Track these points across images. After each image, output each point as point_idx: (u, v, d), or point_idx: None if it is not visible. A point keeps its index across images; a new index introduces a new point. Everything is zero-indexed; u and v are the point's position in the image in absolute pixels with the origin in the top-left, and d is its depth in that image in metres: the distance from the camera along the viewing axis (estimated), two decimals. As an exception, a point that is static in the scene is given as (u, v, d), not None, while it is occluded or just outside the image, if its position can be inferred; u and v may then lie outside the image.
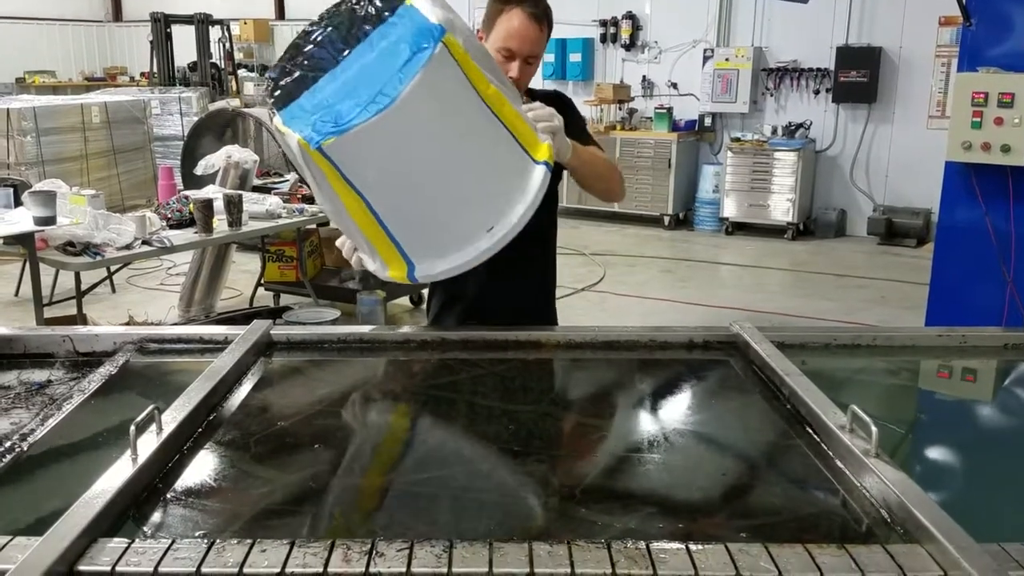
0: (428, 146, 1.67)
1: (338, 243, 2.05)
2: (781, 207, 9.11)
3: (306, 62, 1.75)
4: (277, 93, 1.73)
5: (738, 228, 9.42)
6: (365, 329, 2.04)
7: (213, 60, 12.35)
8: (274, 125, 1.70)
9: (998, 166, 4.14)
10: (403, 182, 1.69)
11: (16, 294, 6.40)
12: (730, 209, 9.34)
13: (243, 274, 6.74)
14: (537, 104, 1.93)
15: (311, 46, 1.77)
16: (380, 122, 1.56)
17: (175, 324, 5.27)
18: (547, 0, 2.10)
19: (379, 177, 1.67)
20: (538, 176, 1.79)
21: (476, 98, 1.69)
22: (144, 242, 4.47)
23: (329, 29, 1.77)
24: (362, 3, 1.77)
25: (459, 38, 1.65)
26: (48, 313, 4.87)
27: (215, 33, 12.48)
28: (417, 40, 1.63)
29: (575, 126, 2.18)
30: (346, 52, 1.73)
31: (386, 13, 1.72)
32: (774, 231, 9.22)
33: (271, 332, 1.98)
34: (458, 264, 1.78)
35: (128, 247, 4.39)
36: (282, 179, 6.30)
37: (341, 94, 1.65)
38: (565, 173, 2.15)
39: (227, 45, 12.75)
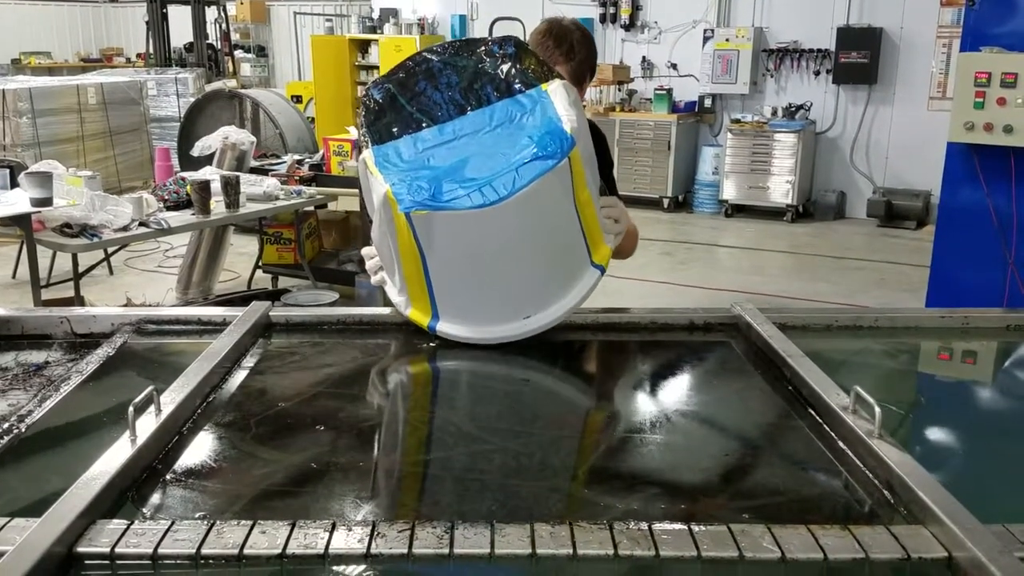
0: (507, 237, 1.62)
1: (364, 252, 1.98)
2: (781, 189, 9.09)
3: (415, 99, 1.66)
4: (376, 123, 1.64)
5: (737, 210, 9.40)
6: (365, 310, 2.03)
7: (209, 41, 12.26)
8: (362, 156, 1.63)
9: (1000, 147, 4.13)
10: (467, 258, 1.65)
11: (13, 276, 6.39)
12: (730, 191, 9.32)
13: (241, 256, 6.72)
14: (613, 200, 1.92)
15: (425, 81, 1.68)
16: (477, 213, 1.52)
17: (173, 306, 5.26)
18: (592, 52, 2.17)
19: (446, 248, 1.62)
20: (590, 279, 1.78)
21: (571, 201, 1.65)
22: (141, 224, 4.46)
23: (451, 70, 1.67)
24: (495, 62, 1.67)
25: (580, 143, 1.59)
26: (45, 295, 4.87)
27: (211, 14, 12.38)
28: (544, 143, 1.56)
29: (603, 168, 2.18)
30: (464, 108, 1.65)
31: (518, 86, 1.65)
32: (773, 213, 9.20)
33: (270, 313, 1.97)
34: (479, 338, 1.75)
35: (125, 229, 4.38)
36: (280, 160, 6.27)
37: (445, 158, 1.59)
38: None
39: (223, 26, 12.66)
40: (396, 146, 1.62)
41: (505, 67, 1.67)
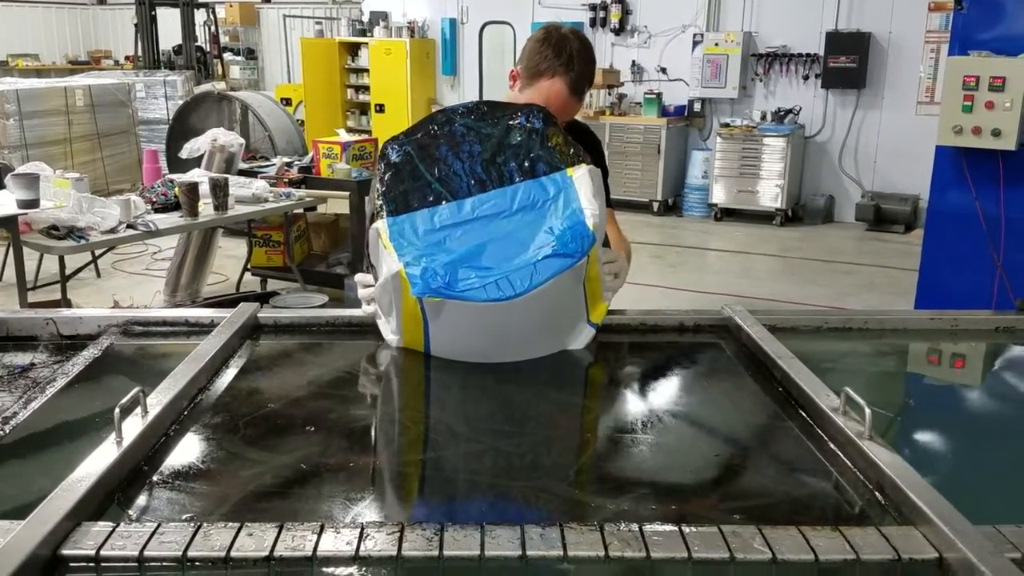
0: (513, 318, 1.59)
1: (358, 279, 1.89)
2: (770, 193, 9.12)
3: (435, 166, 1.59)
4: (392, 190, 1.57)
5: (727, 214, 9.43)
6: (354, 312, 2.02)
7: (198, 43, 12.23)
8: (376, 226, 1.57)
9: (988, 150, 4.14)
10: (470, 330, 1.62)
11: (-1, 279, 6.34)
12: (719, 195, 9.35)
13: (229, 259, 6.69)
14: (615, 254, 1.87)
15: (447, 147, 1.60)
16: (489, 304, 1.49)
17: (160, 308, 5.23)
18: (591, 62, 2.11)
19: (451, 322, 1.60)
20: (584, 336, 1.76)
21: (581, 284, 1.63)
22: (129, 226, 4.43)
23: (474, 137, 1.60)
24: (521, 135, 1.61)
25: (598, 233, 1.57)
26: (32, 298, 4.83)
27: (200, 16, 12.36)
28: (565, 239, 1.52)
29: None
30: (484, 184, 1.59)
31: (542, 167, 1.59)
32: (763, 217, 9.23)
33: (258, 315, 1.96)
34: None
35: (113, 231, 4.35)
36: (268, 163, 6.25)
37: (462, 241, 1.55)
38: None
39: (212, 28, 12.63)
40: (412, 219, 1.56)
41: (531, 143, 1.60)
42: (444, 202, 1.58)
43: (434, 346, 1.69)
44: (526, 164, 1.60)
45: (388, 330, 1.78)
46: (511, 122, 1.62)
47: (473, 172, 1.59)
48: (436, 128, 1.62)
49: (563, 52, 2.06)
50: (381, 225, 1.56)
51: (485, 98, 2.21)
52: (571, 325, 1.74)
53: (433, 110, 11.43)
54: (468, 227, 1.56)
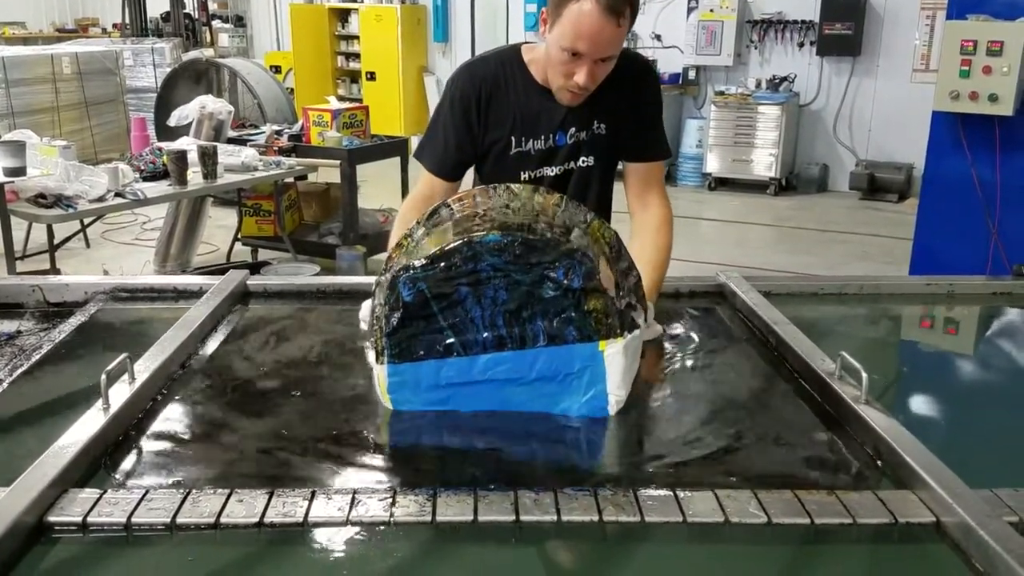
0: None
1: (363, 316, 1.69)
2: (764, 162, 9.06)
3: (451, 310, 1.40)
4: (398, 332, 1.40)
5: (721, 183, 9.38)
6: (344, 279, 2.00)
7: (186, 10, 12.05)
8: (375, 369, 1.43)
9: (986, 116, 4.11)
10: None
11: (-12, 249, 6.27)
12: (713, 164, 9.29)
13: (220, 229, 6.64)
14: (653, 330, 1.68)
15: (468, 288, 1.39)
16: None
17: (152, 279, 5.18)
18: None
19: None
20: None
21: None
22: (117, 194, 4.37)
23: (501, 282, 1.40)
24: (555, 290, 1.40)
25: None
26: (21, 267, 4.78)
27: (189, -18, 12.15)
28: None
29: (647, 117, 1.97)
30: (503, 341, 1.41)
31: (573, 333, 1.42)
32: (757, 186, 9.19)
33: (247, 282, 1.93)
34: None
35: (101, 199, 4.30)
36: (258, 131, 6.17)
37: (467, 405, 1.42)
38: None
39: (201, -5, 12.43)
40: (417, 370, 1.42)
41: (564, 303, 1.41)
42: (455, 354, 1.42)
43: None
44: (555, 325, 1.42)
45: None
46: (546, 272, 1.41)
47: (493, 324, 1.42)
48: (459, 263, 1.40)
49: None
50: (381, 372, 1.43)
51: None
52: None
53: (425, 79, 11.37)
54: (477, 389, 1.43)
